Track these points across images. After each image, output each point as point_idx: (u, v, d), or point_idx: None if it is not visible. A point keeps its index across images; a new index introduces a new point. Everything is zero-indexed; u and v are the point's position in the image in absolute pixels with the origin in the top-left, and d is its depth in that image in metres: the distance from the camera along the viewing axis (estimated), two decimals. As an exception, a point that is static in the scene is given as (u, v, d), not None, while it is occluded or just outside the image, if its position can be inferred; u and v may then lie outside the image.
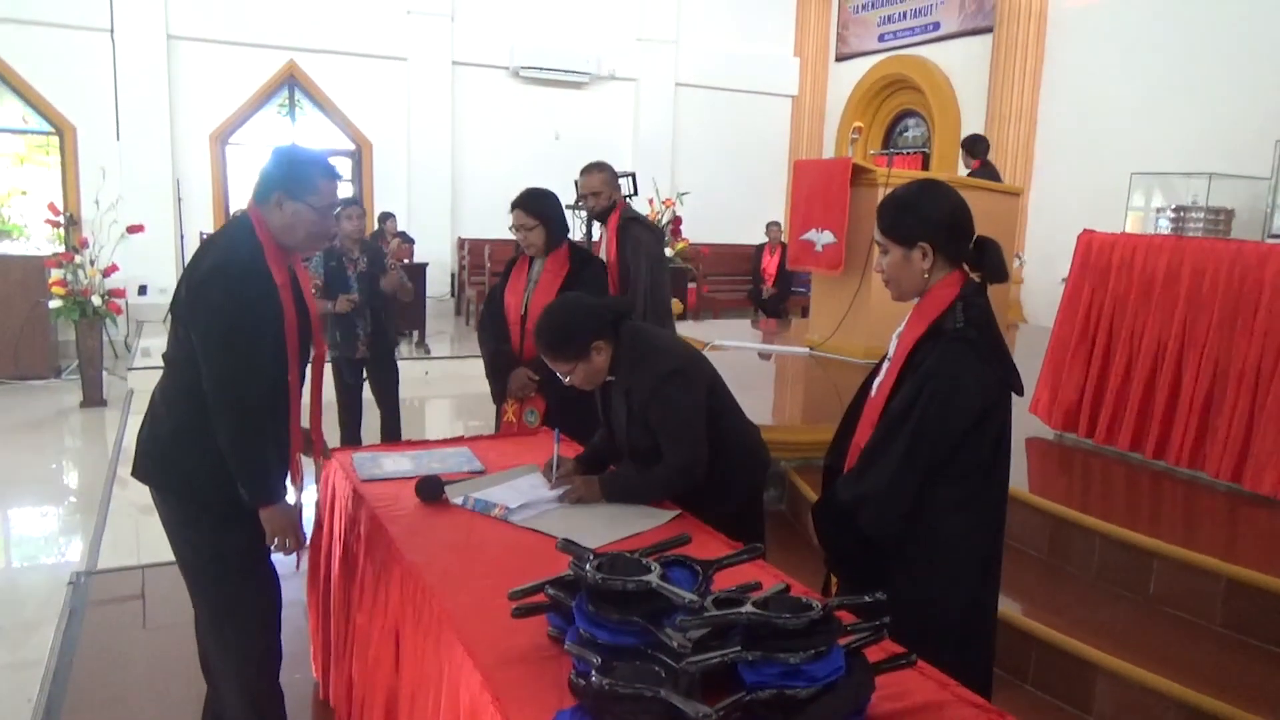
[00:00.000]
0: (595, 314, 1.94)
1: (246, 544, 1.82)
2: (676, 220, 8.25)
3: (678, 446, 1.91)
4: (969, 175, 5.77)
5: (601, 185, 3.29)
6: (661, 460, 1.93)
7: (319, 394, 1.95)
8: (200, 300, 1.67)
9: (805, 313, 6.99)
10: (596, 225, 3.57)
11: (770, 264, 9.02)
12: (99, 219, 6.01)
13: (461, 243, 9.51)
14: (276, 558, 1.89)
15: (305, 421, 1.93)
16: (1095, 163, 7.38)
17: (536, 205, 2.81)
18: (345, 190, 9.10)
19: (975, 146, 6.01)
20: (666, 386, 1.91)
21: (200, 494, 1.77)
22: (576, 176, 3.55)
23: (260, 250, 1.73)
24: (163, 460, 1.78)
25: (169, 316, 1.86)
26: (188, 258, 8.61)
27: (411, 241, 8.60)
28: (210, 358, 1.67)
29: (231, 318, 1.66)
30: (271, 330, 1.72)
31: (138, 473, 1.81)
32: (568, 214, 3.11)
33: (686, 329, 6.30)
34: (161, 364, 1.85)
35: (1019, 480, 2.99)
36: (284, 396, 1.80)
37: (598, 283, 2.81)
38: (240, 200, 8.87)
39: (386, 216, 8.18)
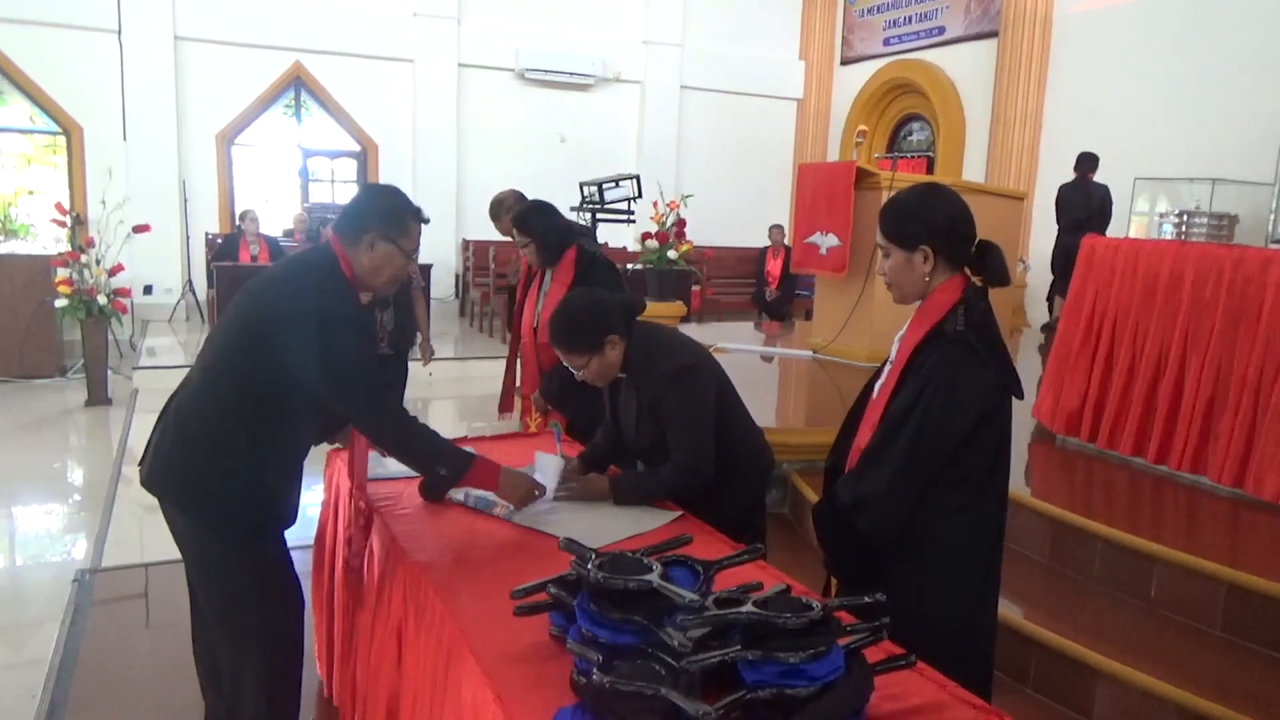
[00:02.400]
0: (610, 309, 1.94)
1: (272, 560, 1.81)
2: (681, 223, 8.25)
3: (686, 444, 1.92)
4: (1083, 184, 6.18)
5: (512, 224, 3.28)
6: (669, 458, 1.93)
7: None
8: (312, 344, 1.63)
9: (809, 315, 6.99)
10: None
11: (774, 267, 9.03)
12: (105, 219, 6.03)
13: (466, 244, 9.53)
14: (298, 556, 1.89)
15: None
16: (1099, 167, 7.38)
17: (524, 223, 2.80)
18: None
19: (1079, 163, 6.41)
20: (678, 383, 1.91)
21: (228, 512, 1.72)
22: (584, 179, 3.57)
23: (352, 291, 1.73)
24: (189, 476, 1.72)
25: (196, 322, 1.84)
26: (193, 258, 8.73)
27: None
28: (346, 395, 1.68)
29: (356, 351, 1.67)
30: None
31: (153, 486, 1.75)
32: (574, 216, 3.10)
33: (690, 332, 6.30)
34: (166, 364, 1.83)
35: (1021, 484, 2.99)
36: (323, 429, 1.82)
37: (605, 285, 2.75)
38: (246, 200, 8.92)
39: None
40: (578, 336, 1.91)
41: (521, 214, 2.84)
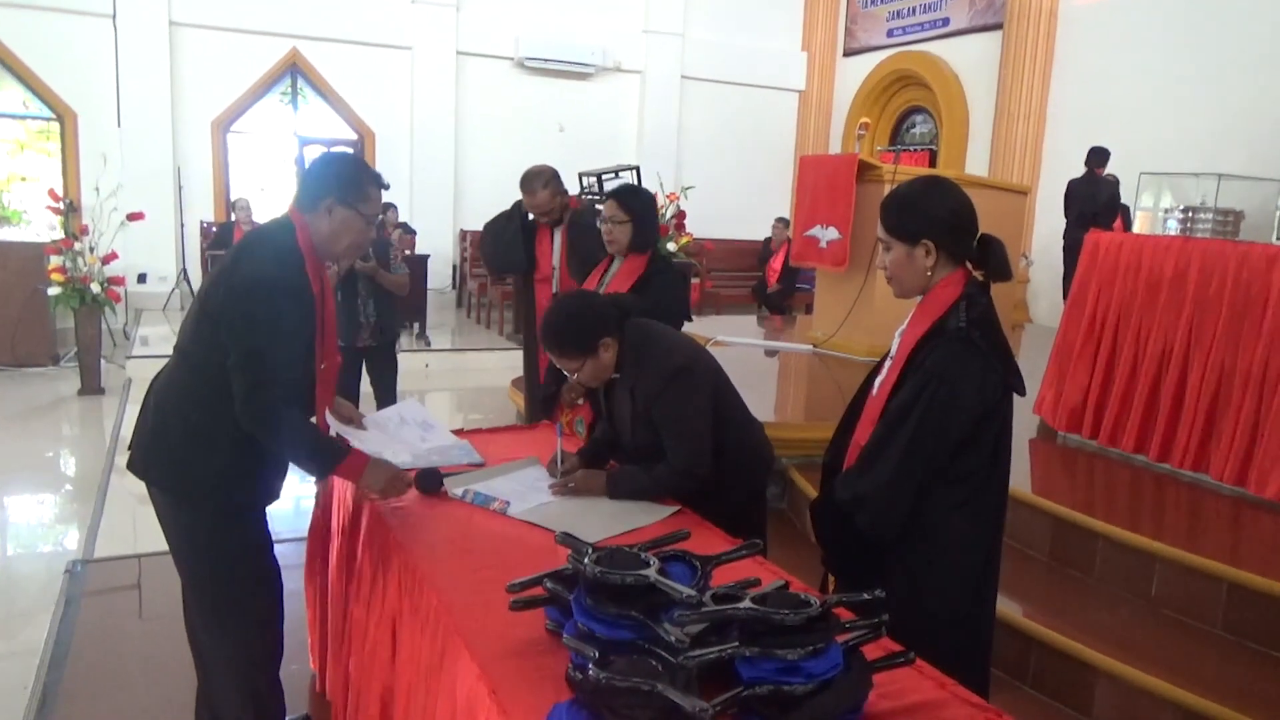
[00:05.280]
0: (601, 310, 1.93)
1: (251, 542, 1.80)
2: (681, 215, 8.22)
3: (682, 446, 1.90)
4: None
5: (550, 199, 3.17)
6: (665, 460, 1.92)
7: (326, 403, 1.94)
8: (240, 309, 1.62)
9: (809, 309, 6.98)
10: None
11: (775, 260, 9.00)
12: (99, 206, 5.98)
13: (464, 234, 9.49)
14: (281, 549, 1.88)
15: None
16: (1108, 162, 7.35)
17: (633, 200, 2.64)
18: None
19: (1089, 158, 6.41)
20: (672, 385, 1.90)
21: (208, 493, 1.72)
22: (584, 170, 3.47)
23: (303, 261, 1.69)
24: (170, 458, 1.72)
25: (182, 306, 1.82)
26: (188, 246, 8.68)
27: (413, 233, 8.58)
28: (245, 366, 1.63)
29: (271, 331, 1.62)
30: (304, 342, 1.71)
31: (136, 467, 1.75)
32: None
33: (689, 325, 6.26)
34: (160, 353, 1.81)
35: (1021, 480, 2.98)
36: (303, 404, 1.78)
37: (668, 292, 2.58)
38: (241, 188, 8.87)
39: (388, 207, 8.17)
40: (570, 339, 1.89)
41: (631, 189, 2.70)
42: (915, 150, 9.87)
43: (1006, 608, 2.26)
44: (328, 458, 1.75)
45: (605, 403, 2.08)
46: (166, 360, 1.82)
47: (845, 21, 10.75)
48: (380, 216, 3.98)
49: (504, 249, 3.37)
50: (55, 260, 5.69)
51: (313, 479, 1.86)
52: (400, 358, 4.23)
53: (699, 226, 9.08)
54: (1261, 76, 6.38)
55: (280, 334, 1.63)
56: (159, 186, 8.36)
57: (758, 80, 10.77)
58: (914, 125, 10.31)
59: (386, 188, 1.80)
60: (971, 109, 9.04)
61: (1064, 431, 3.53)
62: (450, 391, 6.64)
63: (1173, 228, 6.05)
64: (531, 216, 3.39)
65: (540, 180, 3.18)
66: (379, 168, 6.98)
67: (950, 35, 9.27)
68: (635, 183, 2.82)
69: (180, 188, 8.61)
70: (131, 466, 1.77)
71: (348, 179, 1.72)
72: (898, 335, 1.62)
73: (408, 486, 1.88)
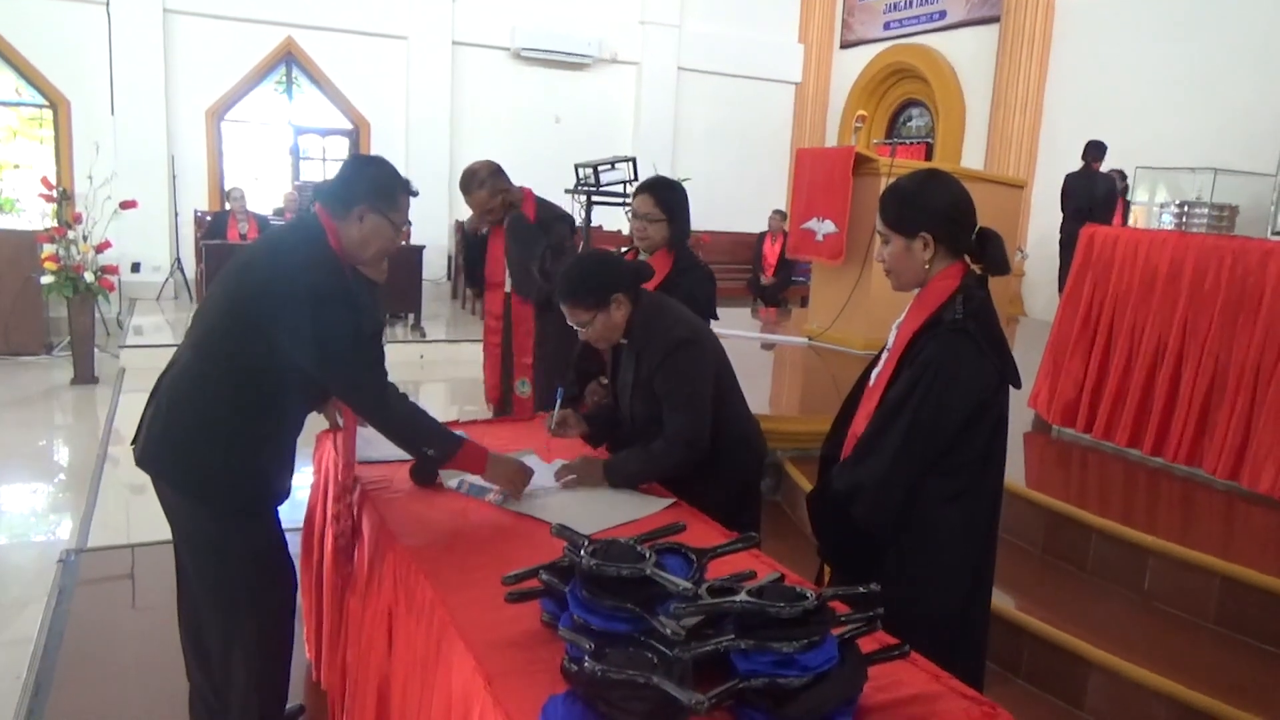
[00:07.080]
0: (618, 267, 1.95)
1: (264, 539, 1.79)
2: (676, 207, 8.22)
3: (682, 416, 1.90)
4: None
5: (488, 199, 2.99)
6: (662, 433, 1.91)
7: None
8: (305, 321, 1.60)
9: (805, 302, 6.98)
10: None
11: (771, 252, 8.99)
12: (92, 194, 5.94)
13: (459, 226, 9.40)
14: (294, 541, 1.88)
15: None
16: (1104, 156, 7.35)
17: (670, 196, 2.44)
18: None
19: (1085, 152, 6.38)
20: (677, 354, 1.90)
21: (221, 491, 1.71)
22: (580, 161, 3.40)
23: (341, 266, 1.69)
24: (182, 454, 1.70)
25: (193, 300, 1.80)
26: (182, 235, 8.62)
27: (408, 224, 8.53)
28: (338, 373, 1.67)
29: (350, 329, 1.64)
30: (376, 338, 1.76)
31: (147, 465, 1.73)
32: (569, 198, 2.94)
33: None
34: (154, 343, 1.80)
35: (1015, 474, 2.98)
36: (309, 404, 1.80)
37: (697, 291, 2.48)
38: (235, 177, 8.80)
39: None
40: (585, 289, 1.88)
41: (666, 182, 2.56)
42: (912, 143, 9.87)
43: (1000, 601, 2.27)
44: (450, 443, 1.77)
45: (611, 369, 2.08)
46: (168, 352, 1.80)
47: (842, 14, 10.72)
48: None
49: (468, 269, 3.29)
50: (48, 249, 5.66)
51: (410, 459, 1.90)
52: (395, 349, 4.22)
53: (695, 218, 9.02)
54: (1258, 71, 6.38)
55: (355, 328, 1.65)
56: (153, 175, 8.29)
57: (754, 72, 10.74)
58: (910, 118, 10.29)
59: (416, 195, 1.79)
60: (968, 102, 9.03)
61: (1058, 425, 3.54)
62: (445, 382, 6.62)
63: (1168, 222, 6.07)
64: (484, 230, 3.21)
65: (475, 180, 3.00)
66: (374, 158, 6.66)
67: (947, 28, 9.24)
68: (666, 175, 2.70)
69: (174, 176, 8.55)
70: (141, 462, 1.74)
71: (381, 186, 1.71)
72: (894, 327, 1.62)
73: (530, 476, 1.87)
